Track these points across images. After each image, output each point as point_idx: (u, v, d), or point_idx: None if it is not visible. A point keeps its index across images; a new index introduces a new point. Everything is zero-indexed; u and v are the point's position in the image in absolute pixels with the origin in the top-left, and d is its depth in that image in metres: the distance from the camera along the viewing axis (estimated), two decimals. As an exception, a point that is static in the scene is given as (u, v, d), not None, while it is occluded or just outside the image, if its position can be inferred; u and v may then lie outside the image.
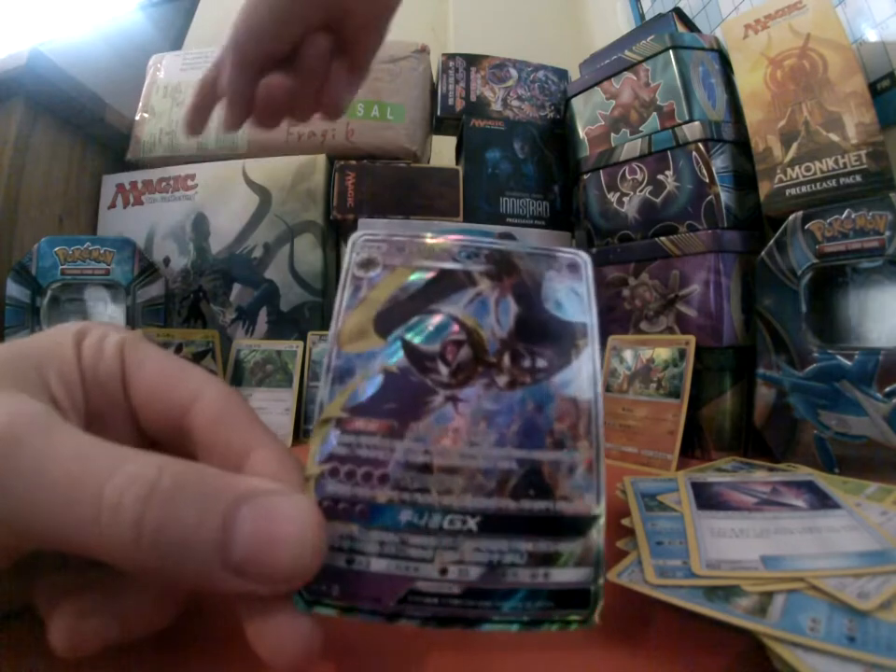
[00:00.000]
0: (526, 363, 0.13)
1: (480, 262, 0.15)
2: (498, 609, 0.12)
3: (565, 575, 0.12)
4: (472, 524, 0.12)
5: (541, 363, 0.13)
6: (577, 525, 0.12)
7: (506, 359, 0.13)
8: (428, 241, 0.15)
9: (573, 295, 0.14)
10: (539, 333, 0.14)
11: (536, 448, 0.12)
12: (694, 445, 0.45)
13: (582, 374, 0.13)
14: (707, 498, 0.24)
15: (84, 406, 0.14)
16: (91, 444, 0.12)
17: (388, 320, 0.14)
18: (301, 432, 0.53)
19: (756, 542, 0.19)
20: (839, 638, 0.14)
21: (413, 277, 0.14)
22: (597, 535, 0.12)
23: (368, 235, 0.15)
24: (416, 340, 0.14)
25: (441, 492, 0.12)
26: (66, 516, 0.11)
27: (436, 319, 0.14)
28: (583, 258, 0.15)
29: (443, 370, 0.13)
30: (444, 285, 0.14)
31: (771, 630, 0.15)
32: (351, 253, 0.15)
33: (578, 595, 0.12)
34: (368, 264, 0.15)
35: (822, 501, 0.23)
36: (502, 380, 0.13)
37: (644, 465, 0.41)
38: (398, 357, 0.13)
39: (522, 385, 0.13)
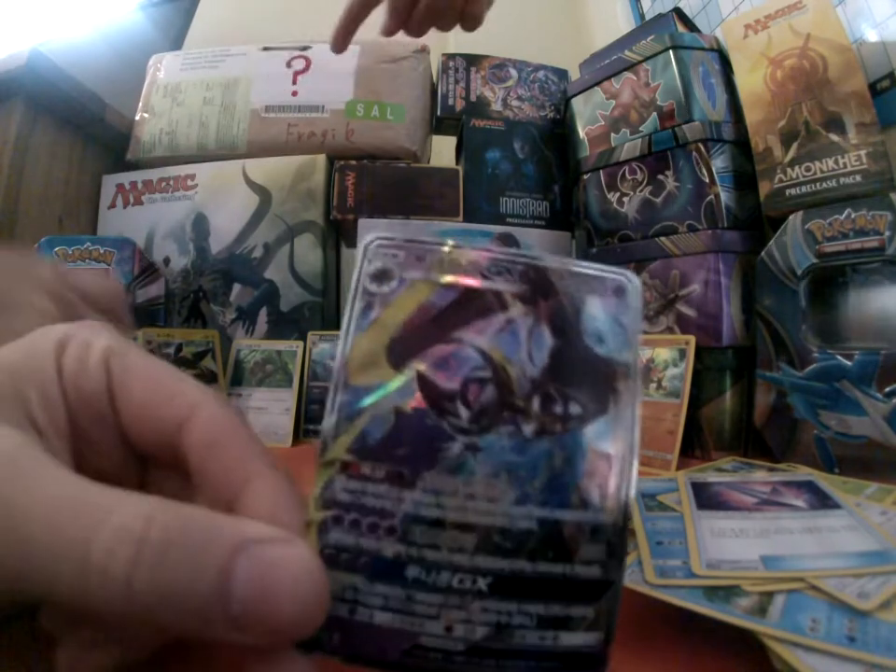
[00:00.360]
0: (558, 409, 0.12)
1: (512, 281, 0.12)
2: (503, 668, 0.11)
3: (574, 639, 0.11)
4: (483, 584, 0.11)
5: (575, 409, 0.12)
6: (593, 590, 0.11)
7: (535, 403, 0.12)
8: (453, 251, 0.13)
9: (617, 327, 0.12)
10: (576, 373, 0.12)
11: (559, 507, 0.11)
12: (694, 445, 0.45)
13: (619, 425, 0.11)
14: (706, 498, 0.24)
15: (67, 426, 0.13)
16: (76, 488, 0.11)
17: (404, 348, 0.12)
18: (301, 432, 0.53)
19: (756, 542, 0.19)
20: (839, 638, 0.14)
21: (434, 296, 0.12)
22: (613, 599, 0.12)
23: (383, 240, 0.13)
24: (435, 375, 0.12)
25: (453, 550, 0.11)
26: (51, 574, 0.10)
27: (459, 351, 0.12)
28: (633, 281, 0.13)
29: (464, 413, 0.11)
30: (470, 308, 0.12)
31: (771, 630, 0.15)
32: (363, 261, 0.13)
33: (586, 659, 0.11)
34: (382, 276, 0.13)
35: (822, 501, 0.23)
36: (529, 428, 0.11)
37: (644, 465, 0.41)
38: (411, 394, 0.12)
39: (551, 435, 0.11)
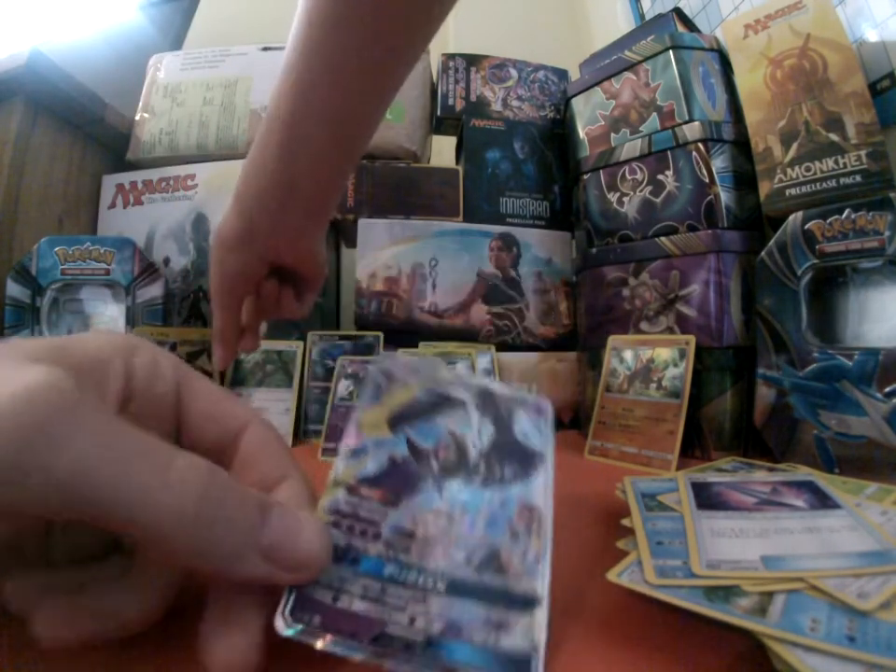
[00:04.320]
0: (497, 471, 0.17)
1: (473, 395, 0.19)
2: (452, 658, 0.13)
3: (511, 641, 0.14)
4: (441, 586, 0.14)
5: (508, 473, 0.17)
6: (524, 602, 0.14)
7: (482, 466, 0.17)
8: (438, 373, 0.20)
9: (536, 430, 0.19)
10: (509, 452, 0.18)
11: (498, 535, 0.15)
12: (694, 445, 0.45)
13: (538, 489, 0.17)
14: (706, 498, 0.24)
15: (118, 410, 0.15)
16: (146, 438, 0.13)
17: (399, 420, 0.18)
18: (301, 432, 0.53)
19: (756, 542, 0.19)
20: (839, 638, 0.14)
21: (422, 395, 0.19)
22: (541, 615, 0.14)
23: (392, 360, 0.20)
24: (418, 439, 0.17)
25: (421, 555, 0.14)
26: (130, 483, 0.12)
27: (434, 428, 0.18)
28: (546, 404, 0.20)
29: (434, 465, 0.17)
30: (444, 405, 0.19)
31: (771, 630, 0.15)
32: (378, 365, 0.19)
33: (521, 664, 0.14)
34: (389, 375, 0.19)
35: (822, 501, 0.23)
36: (477, 480, 0.17)
37: (644, 465, 0.41)
38: (402, 449, 0.17)
39: (492, 487, 0.17)
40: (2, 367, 0.12)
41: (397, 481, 0.16)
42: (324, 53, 0.27)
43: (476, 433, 0.18)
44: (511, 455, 0.18)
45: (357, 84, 0.28)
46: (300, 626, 0.13)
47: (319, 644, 0.13)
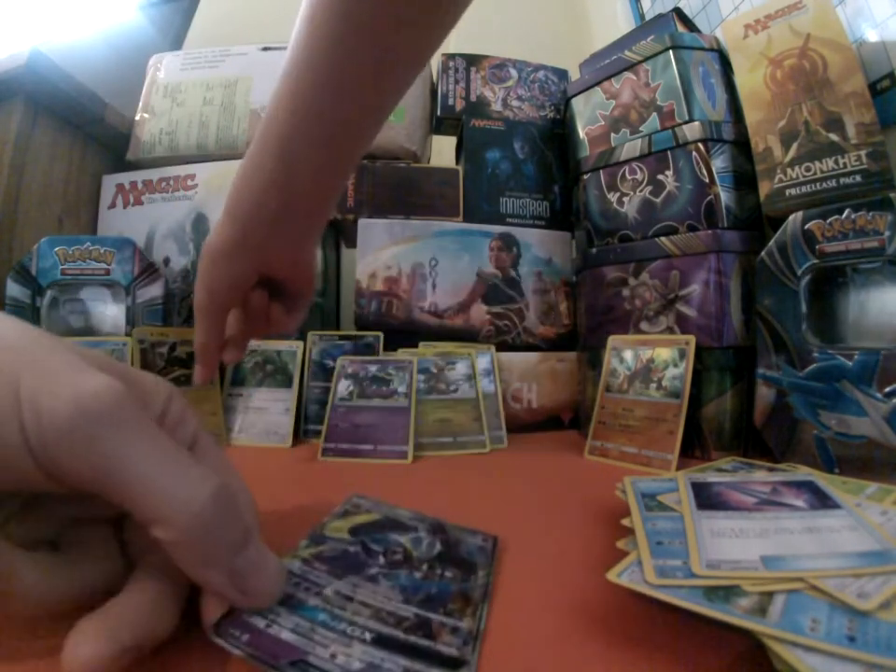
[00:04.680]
0: (438, 572, 0.20)
1: (426, 525, 0.25)
2: None
3: None
4: (368, 636, 0.16)
5: (449, 574, 0.20)
6: (450, 663, 0.15)
7: (425, 567, 0.21)
8: (397, 510, 0.26)
9: (482, 553, 0.23)
10: (452, 562, 0.21)
11: (431, 611, 0.17)
12: (694, 445, 0.45)
13: (477, 586, 0.20)
14: (706, 498, 0.24)
15: None
16: (183, 454, 0.16)
17: (358, 531, 0.23)
18: (301, 432, 0.53)
19: (756, 542, 0.19)
20: (839, 638, 0.14)
21: (381, 518, 0.25)
22: None
23: (360, 499, 0.27)
24: (371, 543, 0.22)
25: (354, 612, 0.17)
26: (158, 467, 0.14)
27: (387, 538, 0.23)
28: (490, 539, 0.24)
29: (382, 560, 0.21)
30: (399, 527, 0.24)
31: (771, 630, 0.15)
32: (348, 500, 0.27)
33: None
34: (357, 507, 0.26)
35: (822, 501, 0.23)
36: (419, 574, 0.20)
37: (644, 465, 0.41)
38: (356, 547, 0.21)
39: (431, 580, 0.20)
40: (81, 370, 0.15)
41: (346, 564, 0.20)
42: (326, 53, 0.26)
43: (424, 546, 0.22)
44: (453, 564, 0.21)
45: (359, 88, 0.27)
46: (228, 640, 0.15)
47: (238, 652, 0.14)
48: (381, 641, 0.15)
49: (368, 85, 0.27)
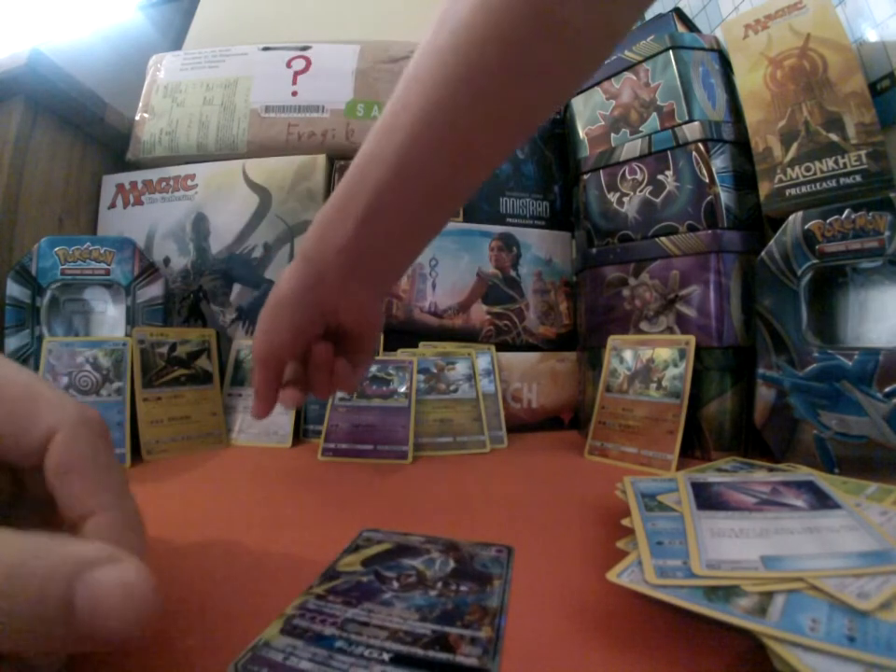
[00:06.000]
0: (453, 587, 0.20)
1: (438, 546, 0.24)
2: None
3: None
4: (386, 656, 0.16)
5: (464, 588, 0.20)
6: (471, 670, 0.15)
7: (440, 585, 0.21)
8: (408, 537, 0.26)
9: (496, 561, 0.23)
10: (467, 576, 0.21)
11: (448, 626, 0.18)
12: (694, 445, 0.45)
13: (494, 595, 0.20)
14: (706, 498, 0.24)
15: None
16: None
17: (371, 562, 0.23)
18: (301, 432, 0.53)
19: (756, 542, 0.19)
20: (839, 638, 0.14)
21: (393, 547, 0.25)
22: None
23: (371, 532, 0.26)
24: (384, 571, 0.22)
25: (370, 636, 0.17)
26: None
27: (400, 565, 0.22)
28: (506, 551, 0.24)
29: (396, 584, 0.21)
30: (411, 552, 0.24)
31: (771, 630, 0.15)
32: (359, 535, 0.26)
33: None
34: (369, 540, 0.25)
35: (822, 501, 0.23)
36: (434, 592, 0.20)
37: (644, 465, 0.41)
38: (369, 577, 0.21)
39: (447, 597, 0.20)
40: None
41: (360, 593, 0.20)
42: (443, 115, 0.25)
43: (437, 566, 0.22)
44: (468, 578, 0.21)
45: (470, 149, 0.27)
46: None
47: None
48: (400, 660, 0.16)
49: (478, 147, 0.27)
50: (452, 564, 0.23)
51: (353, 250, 0.29)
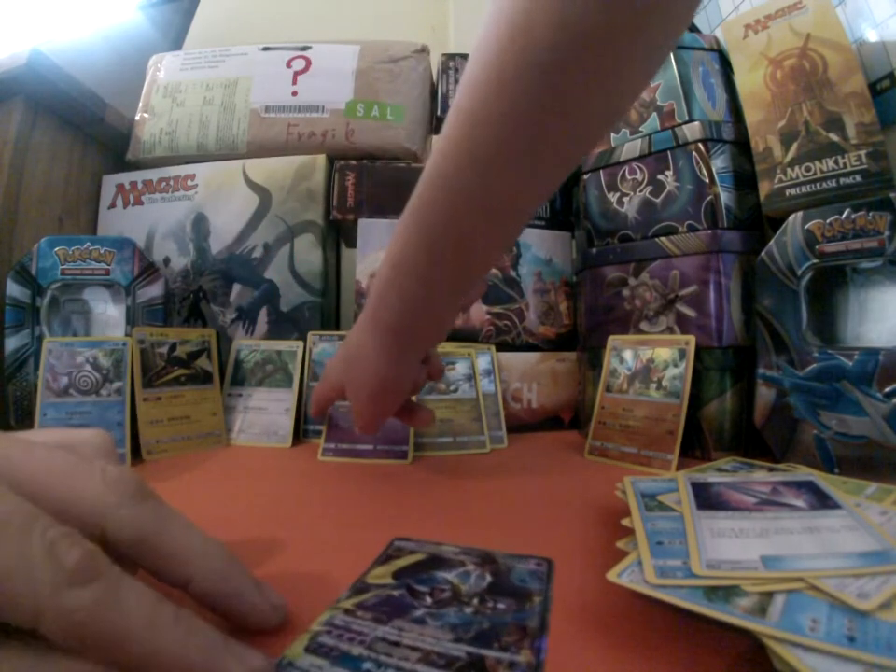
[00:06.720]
0: (490, 605, 0.19)
1: (472, 557, 0.23)
2: None
3: None
4: None
5: (502, 606, 0.19)
6: None
7: (475, 601, 0.19)
8: (441, 547, 0.25)
9: (534, 576, 0.22)
10: (505, 592, 0.20)
11: (484, 648, 0.16)
12: (694, 445, 0.45)
13: (534, 615, 0.19)
14: (706, 498, 0.24)
15: None
16: None
17: (402, 574, 0.22)
18: (301, 432, 0.53)
19: (756, 542, 0.19)
20: (839, 638, 0.14)
21: (425, 558, 0.23)
22: None
23: (401, 541, 0.25)
24: (416, 585, 0.21)
25: (401, 658, 0.16)
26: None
27: (433, 578, 0.21)
28: (544, 564, 0.23)
29: (429, 600, 0.20)
30: (445, 564, 0.23)
31: (771, 630, 0.15)
32: (389, 545, 0.25)
33: None
34: (400, 550, 0.24)
35: (822, 501, 0.23)
36: (469, 610, 0.19)
37: (644, 465, 0.41)
38: (401, 590, 0.20)
39: (483, 615, 0.19)
40: None
41: (390, 609, 0.19)
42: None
43: (473, 580, 0.21)
44: (505, 594, 0.20)
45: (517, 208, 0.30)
46: None
47: None
48: None
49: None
50: (488, 578, 0.21)
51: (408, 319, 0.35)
